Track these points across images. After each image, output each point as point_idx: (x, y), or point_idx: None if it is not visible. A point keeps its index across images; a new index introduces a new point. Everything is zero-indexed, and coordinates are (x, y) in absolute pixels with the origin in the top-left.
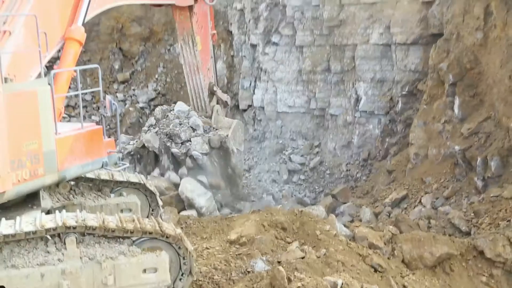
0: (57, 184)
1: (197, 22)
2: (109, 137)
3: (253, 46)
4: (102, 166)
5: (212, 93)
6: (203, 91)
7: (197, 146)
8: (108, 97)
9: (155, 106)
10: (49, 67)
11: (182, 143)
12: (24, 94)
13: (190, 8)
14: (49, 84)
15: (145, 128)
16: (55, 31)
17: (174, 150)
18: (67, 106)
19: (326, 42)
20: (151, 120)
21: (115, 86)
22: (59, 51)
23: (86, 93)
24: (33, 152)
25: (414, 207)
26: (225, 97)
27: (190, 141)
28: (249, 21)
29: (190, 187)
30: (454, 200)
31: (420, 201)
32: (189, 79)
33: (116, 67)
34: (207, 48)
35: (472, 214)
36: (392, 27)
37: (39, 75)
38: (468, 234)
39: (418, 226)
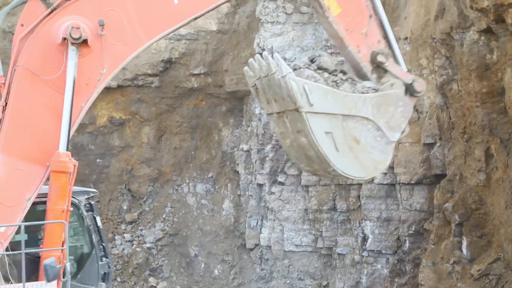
0: None
1: None
2: None
3: (260, 186)
4: None
5: (379, 66)
6: (361, 67)
7: None
8: (48, 261)
9: (162, 246)
10: None
11: None
12: None
13: None
14: None
15: None
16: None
17: None
18: None
19: (331, 181)
20: None
21: (123, 226)
22: None
23: None
24: None
25: None
26: (407, 76)
27: None
28: (256, 161)
29: None
30: None
31: None
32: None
33: (125, 207)
34: (352, 8)
35: None
36: (395, 168)
37: None
38: None
39: None
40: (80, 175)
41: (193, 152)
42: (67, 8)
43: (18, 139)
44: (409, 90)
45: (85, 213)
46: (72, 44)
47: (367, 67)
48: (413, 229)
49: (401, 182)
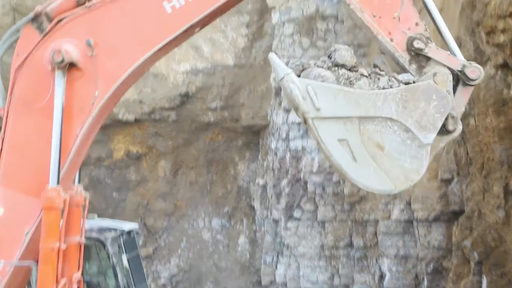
0: None
1: None
2: None
3: (275, 221)
4: None
5: (418, 54)
6: (396, 57)
7: None
8: None
9: (177, 282)
10: None
11: None
12: None
13: None
14: None
15: None
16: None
17: None
18: None
19: (347, 217)
20: None
21: None
22: None
23: None
24: None
25: None
26: (456, 62)
27: None
28: (271, 196)
29: None
30: None
31: None
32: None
33: (140, 242)
34: None
35: None
36: (413, 204)
37: None
38: None
39: None
40: (97, 209)
41: (209, 187)
42: (58, 32)
43: (15, 171)
44: (461, 79)
45: (111, 251)
46: (58, 68)
47: (403, 57)
48: (432, 267)
49: (418, 218)
